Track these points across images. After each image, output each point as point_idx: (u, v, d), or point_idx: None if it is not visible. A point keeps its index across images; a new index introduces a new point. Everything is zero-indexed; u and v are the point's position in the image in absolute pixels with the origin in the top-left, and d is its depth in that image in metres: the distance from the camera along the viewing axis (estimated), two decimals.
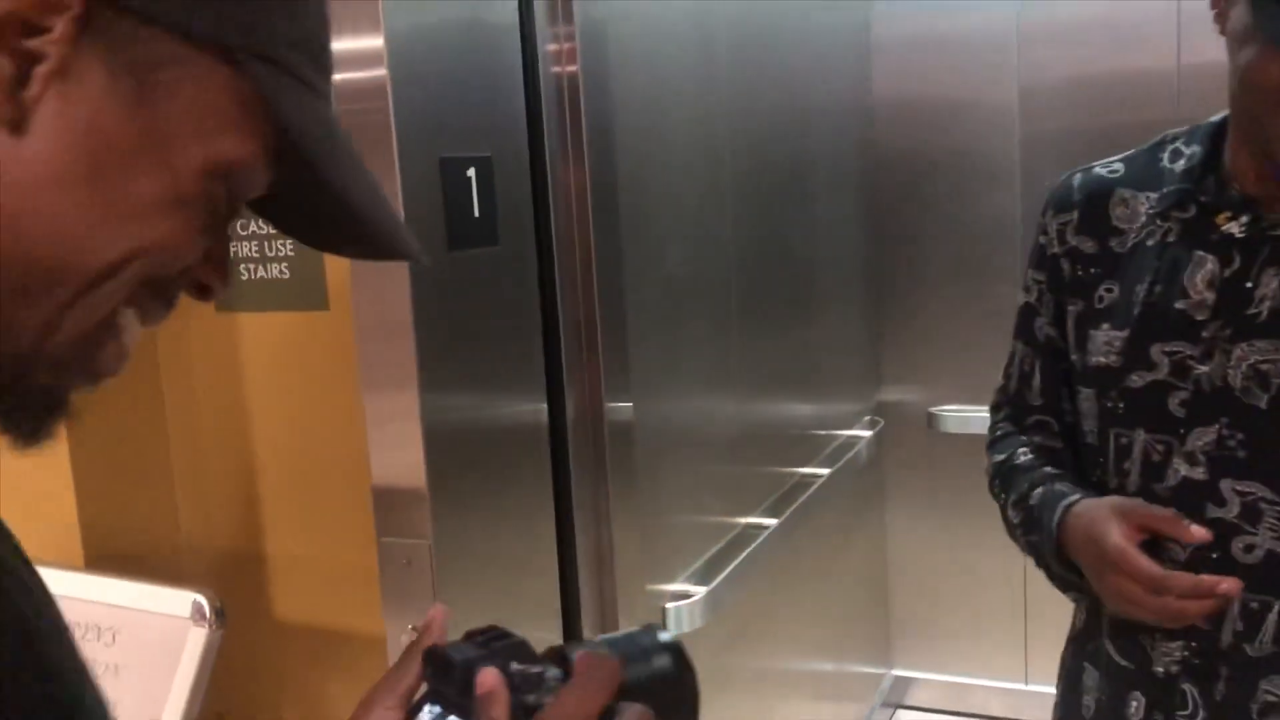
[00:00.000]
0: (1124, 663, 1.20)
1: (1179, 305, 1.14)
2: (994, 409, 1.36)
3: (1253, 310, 1.11)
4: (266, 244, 1.25)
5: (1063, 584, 1.24)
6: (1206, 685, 1.14)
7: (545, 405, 1.36)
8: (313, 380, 1.26)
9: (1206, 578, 1.03)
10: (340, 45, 1.11)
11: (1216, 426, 1.11)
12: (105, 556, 1.24)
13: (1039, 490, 1.21)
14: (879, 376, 2.75)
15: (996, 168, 2.59)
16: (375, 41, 1.10)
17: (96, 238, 0.46)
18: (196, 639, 1.05)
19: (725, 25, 1.87)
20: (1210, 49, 1.15)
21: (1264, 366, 1.09)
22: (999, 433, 1.32)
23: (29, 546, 1.18)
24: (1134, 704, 1.19)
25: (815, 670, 2.47)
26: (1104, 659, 1.24)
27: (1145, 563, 1.05)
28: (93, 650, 1.09)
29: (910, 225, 2.69)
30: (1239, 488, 1.11)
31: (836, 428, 2.52)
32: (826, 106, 2.42)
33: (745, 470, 2.01)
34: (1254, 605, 1.10)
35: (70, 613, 1.11)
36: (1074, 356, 1.24)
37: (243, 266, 1.25)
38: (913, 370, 2.75)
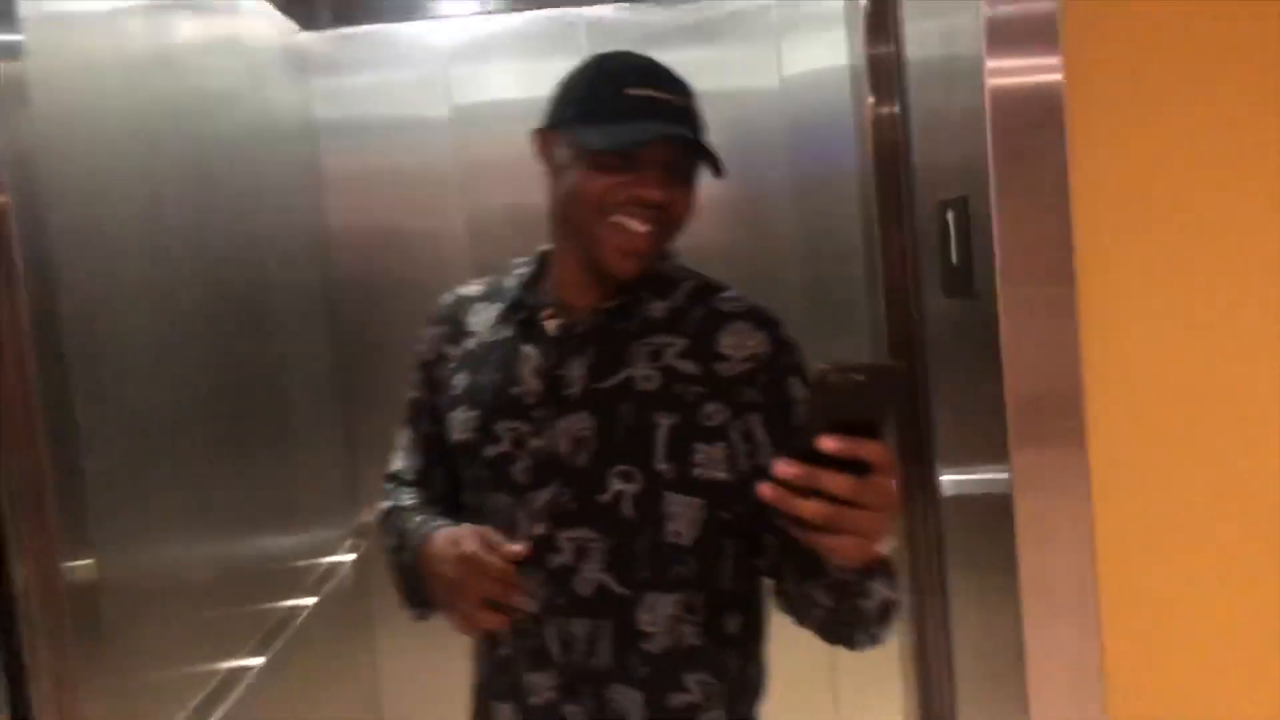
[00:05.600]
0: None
1: (513, 390, 1.42)
2: (386, 479, 1.62)
3: (567, 392, 1.39)
4: None
5: (414, 601, 1.49)
6: (581, 707, 1.37)
7: None
8: None
9: (505, 545, 1.34)
10: None
11: (551, 487, 1.38)
12: None
13: (419, 519, 1.48)
14: (357, 500, 2.75)
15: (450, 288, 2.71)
16: None
17: None
18: None
19: (172, 159, 1.82)
20: None
21: (583, 434, 1.37)
22: (389, 498, 1.59)
23: None
24: None
25: None
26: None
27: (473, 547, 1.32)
28: None
29: (373, 351, 2.75)
30: (570, 535, 1.37)
31: (318, 555, 2.48)
32: (281, 237, 2.42)
33: (228, 612, 1.91)
34: (590, 626, 1.37)
35: None
36: (447, 438, 1.50)
37: None
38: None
